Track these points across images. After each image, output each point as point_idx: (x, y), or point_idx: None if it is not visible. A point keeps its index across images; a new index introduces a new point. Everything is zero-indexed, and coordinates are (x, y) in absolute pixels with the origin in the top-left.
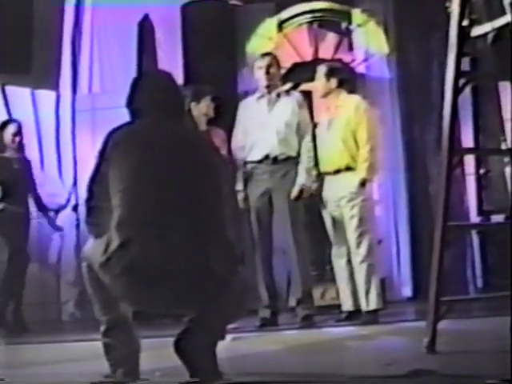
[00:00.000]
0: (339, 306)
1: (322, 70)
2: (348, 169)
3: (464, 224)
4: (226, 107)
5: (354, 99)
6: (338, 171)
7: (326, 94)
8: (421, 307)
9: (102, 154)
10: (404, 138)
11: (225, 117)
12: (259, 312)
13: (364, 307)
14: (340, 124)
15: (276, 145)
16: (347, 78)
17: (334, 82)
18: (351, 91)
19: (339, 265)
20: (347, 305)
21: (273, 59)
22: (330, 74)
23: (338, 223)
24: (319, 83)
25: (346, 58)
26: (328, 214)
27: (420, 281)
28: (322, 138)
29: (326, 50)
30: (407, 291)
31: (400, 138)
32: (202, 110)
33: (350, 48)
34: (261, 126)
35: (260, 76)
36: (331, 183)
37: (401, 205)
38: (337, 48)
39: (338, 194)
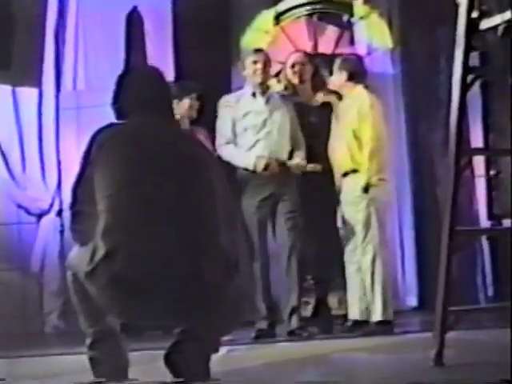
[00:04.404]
0: (343, 315)
1: (336, 62)
2: (355, 171)
3: (473, 229)
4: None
5: (361, 94)
6: (345, 174)
7: (339, 88)
8: (427, 317)
9: (87, 155)
10: (409, 138)
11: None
12: (256, 323)
13: (369, 318)
14: (344, 123)
15: (282, 146)
16: (358, 71)
17: (344, 75)
18: (360, 84)
19: (350, 271)
20: (353, 313)
21: (267, 56)
22: (341, 67)
23: (349, 228)
24: (334, 76)
25: (347, 52)
26: (340, 218)
27: (426, 289)
28: (332, 137)
29: (326, 44)
30: (412, 301)
31: (404, 138)
32: (183, 108)
33: (352, 42)
34: (262, 126)
35: (255, 72)
36: (341, 186)
37: (405, 208)
38: (337, 42)
39: (346, 197)
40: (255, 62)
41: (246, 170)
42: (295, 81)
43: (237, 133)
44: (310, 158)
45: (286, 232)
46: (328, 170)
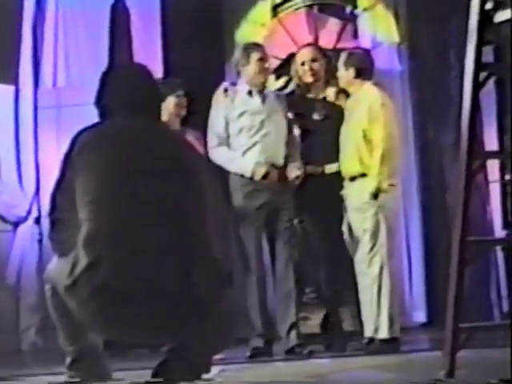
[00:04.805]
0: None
1: (342, 57)
2: (363, 175)
3: (487, 239)
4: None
5: (370, 92)
6: (353, 178)
7: (347, 85)
8: (436, 335)
9: (68, 158)
10: (417, 140)
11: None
12: (251, 341)
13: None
14: (352, 123)
15: (279, 150)
16: (366, 67)
17: (351, 72)
18: (368, 81)
19: (362, 283)
20: (368, 330)
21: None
22: (348, 63)
23: (355, 236)
24: (340, 73)
25: (350, 46)
26: (346, 226)
27: (435, 304)
28: (341, 138)
29: (327, 38)
30: (420, 316)
31: (412, 139)
32: (170, 107)
33: (355, 35)
34: (259, 128)
35: (262, 71)
36: (348, 190)
37: (413, 217)
38: (340, 35)
39: (353, 204)
40: (262, 60)
41: (241, 176)
42: (308, 79)
43: (230, 134)
44: (311, 160)
45: (282, 242)
46: (332, 173)
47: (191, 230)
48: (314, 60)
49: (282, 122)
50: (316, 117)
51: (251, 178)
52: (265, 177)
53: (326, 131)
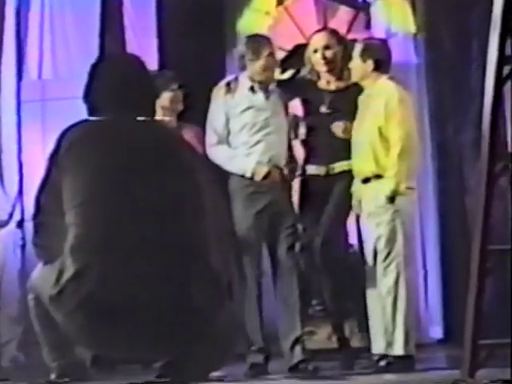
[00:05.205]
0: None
1: (357, 48)
2: (378, 177)
3: (509, 248)
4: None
5: (387, 87)
6: (366, 179)
7: (361, 78)
8: (454, 352)
9: (54, 157)
10: (434, 138)
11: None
12: (249, 357)
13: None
14: (367, 120)
15: (282, 150)
16: (384, 59)
17: (370, 64)
18: (384, 75)
19: (371, 295)
20: (379, 346)
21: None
22: (365, 54)
23: (368, 244)
24: (354, 64)
25: (363, 37)
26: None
27: (453, 319)
28: (353, 136)
29: (338, 28)
30: (437, 332)
31: (429, 138)
32: (165, 104)
33: (368, 25)
34: (263, 126)
35: (268, 66)
36: (361, 193)
37: (429, 223)
38: (351, 25)
39: (367, 208)
40: (271, 55)
41: (241, 176)
42: (322, 68)
43: (231, 131)
44: (314, 158)
45: (285, 250)
46: (340, 173)
47: (188, 237)
48: (327, 47)
49: (286, 120)
50: (323, 110)
51: (251, 179)
52: (266, 177)
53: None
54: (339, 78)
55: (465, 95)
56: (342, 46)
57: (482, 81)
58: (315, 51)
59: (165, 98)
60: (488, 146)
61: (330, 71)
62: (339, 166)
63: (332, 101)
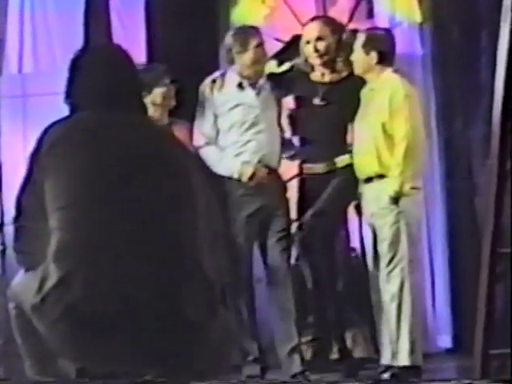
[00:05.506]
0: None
1: (360, 39)
2: (381, 176)
3: None
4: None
5: (392, 81)
6: (369, 179)
7: (364, 72)
8: (463, 362)
9: (36, 157)
10: (441, 135)
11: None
12: (244, 368)
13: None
14: (369, 116)
15: (275, 149)
16: (389, 51)
17: (374, 56)
18: (388, 68)
19: (375, 302)
20: (385, 356)
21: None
22: (368, 45)
23: (370, 247)
24: (356, 57)
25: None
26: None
27: (462, 327)
28: (355, 133)
29: (338, 17)
30: (445, 340)
31: (436, 135)
32: (157, 100)
33: (370, 14)
34: (253, 124)
35: (257, 59)
36: (364, 194)
37: (436, 224)
38: (352, 14)
39: (369, 209)
40: (260, 46)
41: (230, 178)
42: (315, 61)
43: (220, 130)
44: (307, 155)
45: (278, 254)
46: (341, 172)
47: (179, 241)
48: (319, 38)
49: (278, 116)
50: (316, 101)
51: (240, 181)
52: (252, 177)
53: (328, 120)
54: (334, 70)
55: (474, 88)
56: (337, 35)
57: (493, 73)
58: (308, 42)
59: (157, 94)
60: (498, 142)
61: (323, 64)
62: (342, 160)
63: (326, 92)
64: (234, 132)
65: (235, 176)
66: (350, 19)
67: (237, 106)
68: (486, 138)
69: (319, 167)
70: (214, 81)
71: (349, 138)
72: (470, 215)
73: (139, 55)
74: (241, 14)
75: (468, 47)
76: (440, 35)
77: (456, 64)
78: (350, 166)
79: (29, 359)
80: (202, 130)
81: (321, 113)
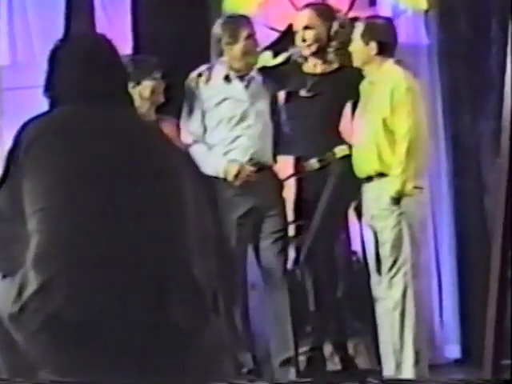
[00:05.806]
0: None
1: (358, 28)
2: (381, 175)
3: None
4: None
5: (393, 73)
6: (369, 178)
7: (363, 63)
8: (473, 373)
9: (13, 156)
10: (448, 131)
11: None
12: (238, 381)
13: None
14: (369, 111)
15: (266, 145)
16: (390, 41)
17: (373, 47)
18: (389, 59)
19: (381, 310)
20: (388, 368)
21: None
22: (367, 35)
23: (371, 250)
24: (355, 47)
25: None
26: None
27: (472, 336)
28: (354, 129)
29: (338, 5)
30: (454, 351)
31: (442, 131)
32: (145, 94)
33: (372, 1)
34: (242, 118)
35: (248, 50)
36: (364, 194)
37: (443, 225)
38: (353, 1)
39: (369, 210)
40: (250, 37)
41: (216, 178)
42: (306, 52)
43: (207, 126)
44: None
45: (274, 257)
46: (338, 170)
47: (168, 244)
48: (307, 27)
49: (268, 111)
50: (303, 93)
51: (225, 180)
52: (237, 176)
53: (316, 111)
54: (325, 61)
55: (483, 81)
56: (328, 24)
57: (503, 65)
58: (297, 32)
59: (145, 87)
60: (509, 138)
61: (314, 54)
62: (341, 150)
63: (314, 84)
64: (223, 128)
65: (221, 175)
66: (351, 7)
67: (224, 100)
68: (496, 134)
69: (313, 163)
70: (200, 74)
71: (346, 135)
72: (479, 216)
73: (124, 47)
74: (233, 2)
75: (477, 36)
76: (447, 23)
77: (464, 55)
78: (346, 163)
79: (6, 371)
80: (189, 127)
81: (308, 105)
